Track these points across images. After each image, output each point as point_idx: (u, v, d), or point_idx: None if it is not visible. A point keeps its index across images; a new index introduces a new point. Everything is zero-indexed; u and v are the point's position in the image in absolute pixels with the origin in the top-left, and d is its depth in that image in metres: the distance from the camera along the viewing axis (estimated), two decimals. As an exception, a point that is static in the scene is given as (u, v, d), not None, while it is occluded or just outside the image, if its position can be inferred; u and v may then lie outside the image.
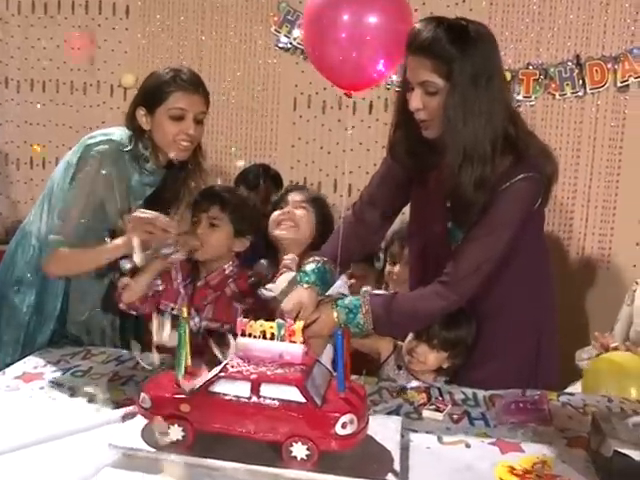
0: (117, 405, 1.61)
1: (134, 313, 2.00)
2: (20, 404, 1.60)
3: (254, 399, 1.31)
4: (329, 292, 1.88)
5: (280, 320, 1.42)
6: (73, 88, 4.10)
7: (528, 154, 1.70)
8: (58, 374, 1.80)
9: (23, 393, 1.66)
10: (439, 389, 1.79)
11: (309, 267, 1.84)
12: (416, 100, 1.69)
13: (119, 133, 2.00)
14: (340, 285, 2.02)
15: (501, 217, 1.68)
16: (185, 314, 1.44)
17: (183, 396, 1.34)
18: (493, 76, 1.69)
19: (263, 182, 3.19)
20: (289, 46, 3.86)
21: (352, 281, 2.26)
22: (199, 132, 1.99)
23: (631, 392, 1.83)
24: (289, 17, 3.83)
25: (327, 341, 1.82)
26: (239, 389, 1.32)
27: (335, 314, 1.72)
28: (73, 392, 1.69)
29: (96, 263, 1.93)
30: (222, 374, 1.34)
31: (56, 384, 1.73)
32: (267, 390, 1.31)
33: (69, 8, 4.06)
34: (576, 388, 2.46)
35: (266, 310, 1.80)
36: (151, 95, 1.96)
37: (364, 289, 1.86)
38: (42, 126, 4.15)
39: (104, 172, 1.91)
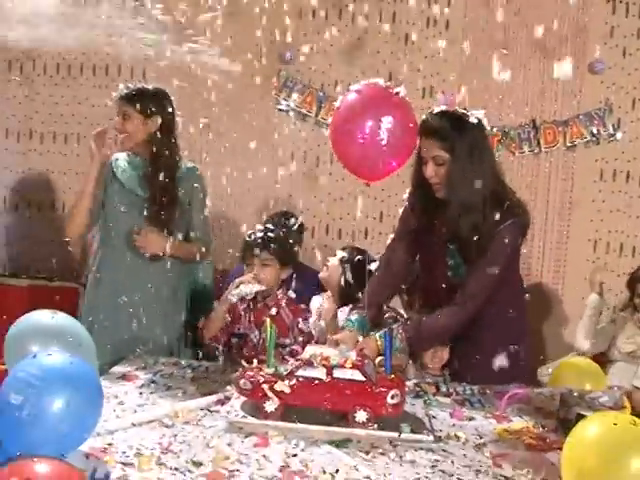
0: (204, 394, 2.13)
1: (217, 345, 2.55)
2: (134, 395, 2.11)
3: (328, 380, 1.86)
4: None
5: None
6: (93, 141, 4.61)
7: (511, 206, 2.32)
8: (149, 376, 2.31)
9: (133, 387, 2.17)
10: (444, 384, 2.35)
11: (354, 317, 2.43)
12: (429, 170, 2.31)
13: None
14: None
15: (497, 252, 2.29)
16: (269, 322, 1.98)
17: (275, 379, 1.88)
18: (483, 151, 2.32)
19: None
20: (287, 108, 4.46)
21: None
22: (128, 127, 2.73)
23: (586, 386, 2.41)
24: (288, 83, 4.43)
25: None
26: (317, 373, 1.87)
27: (379, 342, 2.24)
28: (168, 388, 2.20)
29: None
30: (304, 363, 1.88)
31: (153, 382, 2.24)
32: (337, 373, 1.86)
33: (90, 69, 4.60)
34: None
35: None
36: None
37: (395, 325, 2.39)
38: (63, 174, 4.65)
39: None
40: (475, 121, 2.29)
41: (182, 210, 2.78)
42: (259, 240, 2.57)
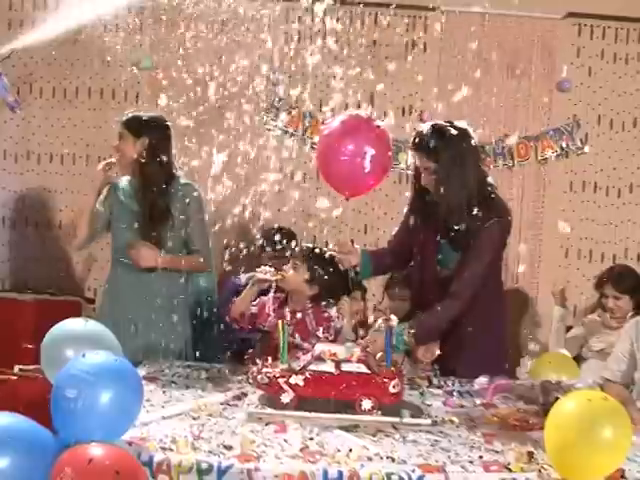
0: (222, 391, 2.35)
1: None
2: (159, 394, 2.32)
3: (337, 373, 2.10)
4: None
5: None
6: (88, 160, 4.79)
7: (496, 207, 2.65)
8: (168, 377, 2.53)
9: (156, 387, 2.39)
10: (436, 377, 2.61)
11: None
12: (424, 179, 2.67)
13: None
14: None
15: (484, 246, 2.61)
16: (281, 323, 2.23)
17: (289, 373, 2.12)
18: (466, 157, 2.62)
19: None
20: (275, 128, 4.69)
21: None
22: (121, 146, 3.04)
23: (562, 376, 2.67)
24: (275, 104, 4.68)
25: None
26: (327, 367, 2.11)
27: None
28: (188, 386, 2.42)
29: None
30: (315, 358, 2.12)
31: (172, 382, 2.47)
32: (345, 367, 2.10)
33: (85, 93, 4.80)
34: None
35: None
36: None
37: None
38: (59, 193, 4.82)
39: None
40: (456, 132, 2.61)
41: (177, 224, 3.03)
42: (304, 247, 2.83)
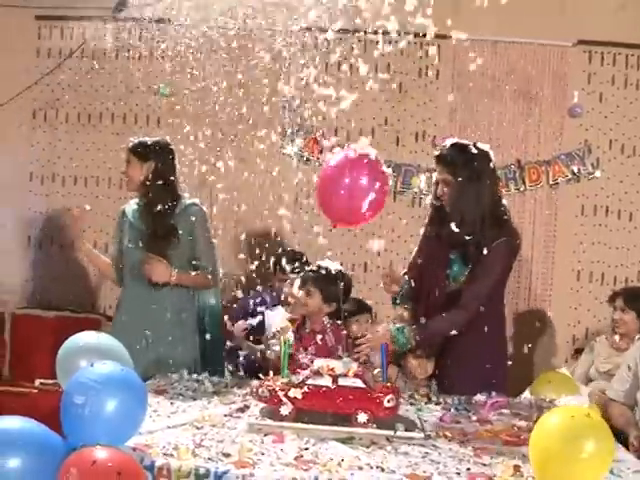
0: (226, 404, 2.46)
1: None
2: (166, 405, 2.43)
3: (334, 387, 2.19)
4: None
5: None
6: (111, 183, 4.97)
7: (507, 228, 2.79)
8: (176, 390, 2.64)
9: (164, 399, 2.50)
10: (435, 395, 2.69)
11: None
12: (439, 190, 2.82)
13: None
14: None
15: (492, 263, 2.72)
16: (285, 340, 2.33)
17: (288, 387, 2.21)
18: (482, 176, 2.76)
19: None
20: (291, 152, 4.82)
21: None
22: (129, 171, 3.22)
23: (561, 395, 2.73)
24: (291, 130, 4.80)
25: None
26: (324, 381, 2.20)
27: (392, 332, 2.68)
28: (195, 398, 2.53)
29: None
30: (314, 373, 2.21)
31: (180, 394, 2.57)
32: (342, 381, 2.20)
33: (109, 118, 4.98)
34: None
35: None
36: None
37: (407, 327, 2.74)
38: (83, 214, 4.99)
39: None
40: (477, 151, 2.77)
41: (183, 242, 3.17)
42: (310, 273, 2.93)
